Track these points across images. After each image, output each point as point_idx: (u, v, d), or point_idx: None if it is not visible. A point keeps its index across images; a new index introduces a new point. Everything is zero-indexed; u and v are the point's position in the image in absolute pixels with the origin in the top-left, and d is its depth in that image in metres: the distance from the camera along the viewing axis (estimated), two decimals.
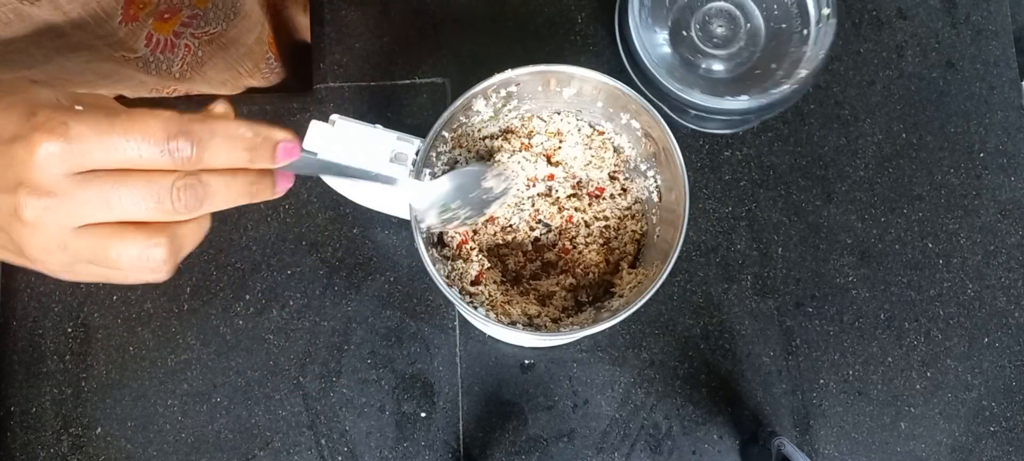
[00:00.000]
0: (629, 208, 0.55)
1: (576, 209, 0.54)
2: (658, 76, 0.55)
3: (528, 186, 0.54)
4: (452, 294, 0.46)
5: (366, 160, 0.48)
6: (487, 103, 0.51)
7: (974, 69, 0.66)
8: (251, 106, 0.63)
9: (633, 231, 0.54)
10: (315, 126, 0.49)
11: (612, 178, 0.55)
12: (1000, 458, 0.61)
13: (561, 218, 0.54)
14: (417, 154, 0.48)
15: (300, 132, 0.49)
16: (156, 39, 0.56)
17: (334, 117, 0.49)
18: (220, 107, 0.37)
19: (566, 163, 0.55)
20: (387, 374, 0.60)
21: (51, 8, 0.47)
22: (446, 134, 0.51)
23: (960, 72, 0.66)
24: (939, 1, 0.67)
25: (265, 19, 0.66)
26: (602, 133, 0.54)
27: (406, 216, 0.48)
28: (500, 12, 0.66)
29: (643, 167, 0.53)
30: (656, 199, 0.53)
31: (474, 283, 0.51)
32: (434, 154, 0.51)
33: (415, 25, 0.65)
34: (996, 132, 0.65)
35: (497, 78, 0.48)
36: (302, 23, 0.78)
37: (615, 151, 0.55)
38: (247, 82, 0.68)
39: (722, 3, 0.57)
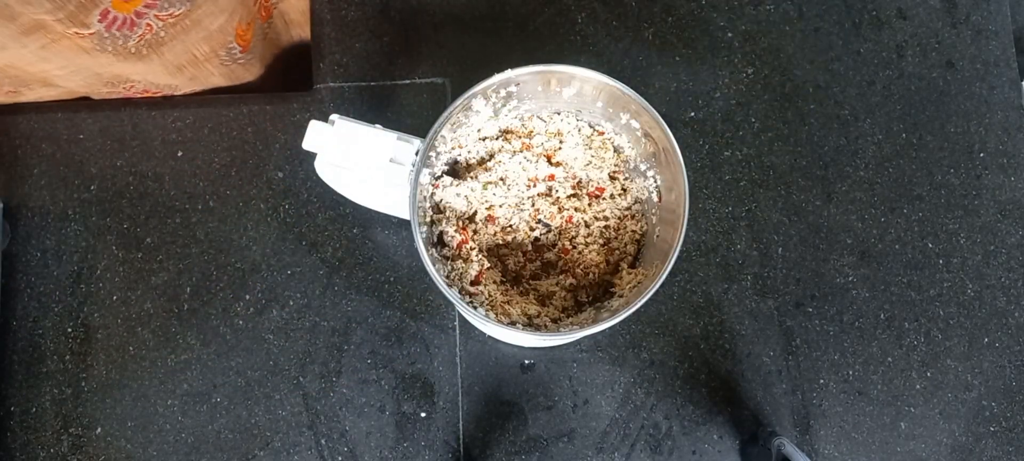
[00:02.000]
0: (629, 208, 0.55)
1: (576, 209, 0.54)
2: None
3: (528, 186, 0.54)
4: (452, 294, 0.46)
5: (365, 160, 0.48)
6: (487, 103, 0.51)
7: (974, 69, 0.66)
8: (250, 105, 0.64)
9: (633, 231, 0.54)
10: (314, 126, 0.49)
11: (612, 178, 0.55)
12: (1000, 458, 0.61)
13: (561, 218, 0.54)
14: (417, 154, 0.48)
15: (300, 132, 0.49)
16: (114, 16, 0.55)
17: (334, 117, 0.49)
18: None
19: (566, 163, 0.55)
20: (387, 374, 0.60)
21: None
22: (446, 134, 0.51)
23: (960, 72, 0.66)
24: (939, 1, 0.67)
25: (239, 7, 0.65)
26: (602, 133, 0.54)
27: (406, 216, 0.48)
28: (500, 12, 0.66)
29: (643, 167, 0.53)
30: (656, 199, 0.53)
31: (474, 283, 0.51)
32: (434, 154, 0.51)
33: (415, 25, 0.65)
34: (996, 132, 0.65)
35: (497, 78, 0.48)
36: (300, 11, 0.75)
37: (615, 151, 0.55)
38: (206, 68, 0.66)
39: None
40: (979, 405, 0.61)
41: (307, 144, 0.49)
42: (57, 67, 0.57)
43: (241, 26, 0.66)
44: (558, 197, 0.54)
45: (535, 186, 0.54)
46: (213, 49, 0.65)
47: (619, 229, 0.54)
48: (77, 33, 0.54)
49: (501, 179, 0.53)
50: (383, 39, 0.65)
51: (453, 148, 0.53)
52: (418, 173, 0.47)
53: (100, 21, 0.55)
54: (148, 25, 0.58)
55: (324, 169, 0.51)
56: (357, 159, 0.48)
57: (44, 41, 0.53)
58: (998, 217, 0.64)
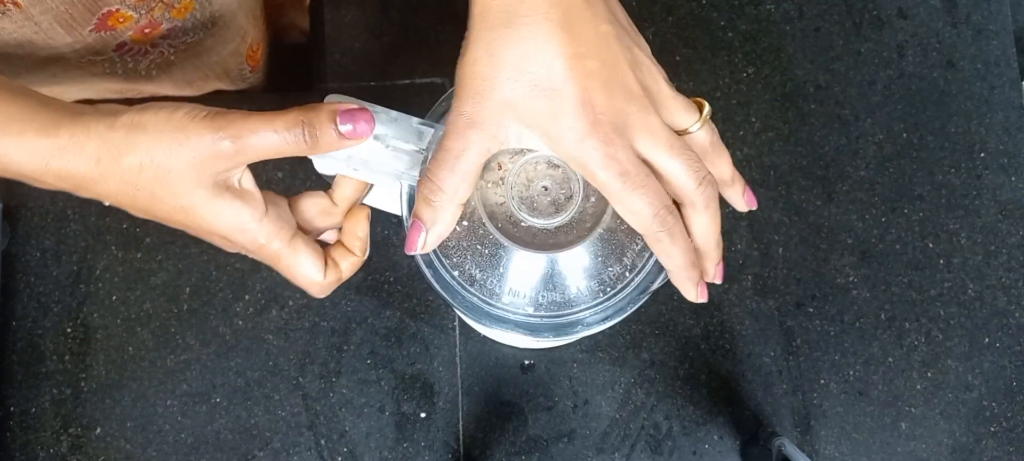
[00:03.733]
0: None
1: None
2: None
3: (527, 186, 0.54)
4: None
5: (377, 168, 0.46)
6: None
7: (975, 69, 0.66)
8: (249, 105, 0.63)
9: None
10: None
11: None
12: (1001, 458, 0.60)
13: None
14: (426, 150, 0.46)
15: None
16: (130, 46, 0.56)
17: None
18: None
19: (566, 165, 0.54)
20: (387, 374, 0.60)
21: (23, 18, 0.47)
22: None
23: (961, 72, 0.66)
24: (939, 1, 0.67)
25: (251, 29, 0.65)
26: None
27: (395, 210, 0.48)
28: None
29: None
30: None
31: None
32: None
33: (415, 25, 0.65)
34: (997, 132, 0.65)
35: None
36: (302, 27, 0.77)
37: None
38: (214, 85, 0.67)
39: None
40: (980, 405, 0.61)
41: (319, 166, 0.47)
42: (66, 87, 0.58)
43: (252, 47, 0.66)
44: (556, 196, 0.54)
45: (529, 184, 0.54)
46: (225, 71, 0.65)
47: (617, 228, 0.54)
48: (90, 60, 0.55)
49: (500, 178, 0.53)
50: (383, 39, 0.65)
51: None
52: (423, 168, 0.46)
53: (115, 50, 0.55)
54: (161, 52, 0.58)
55: (320, 163, 0.49)
56: (356, 159, 0.47)
57: (56, 70, 0.54)
58: (999, 217, 0.64)
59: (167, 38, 0.57)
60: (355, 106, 0.39)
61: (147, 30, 0.55)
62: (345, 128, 0.38)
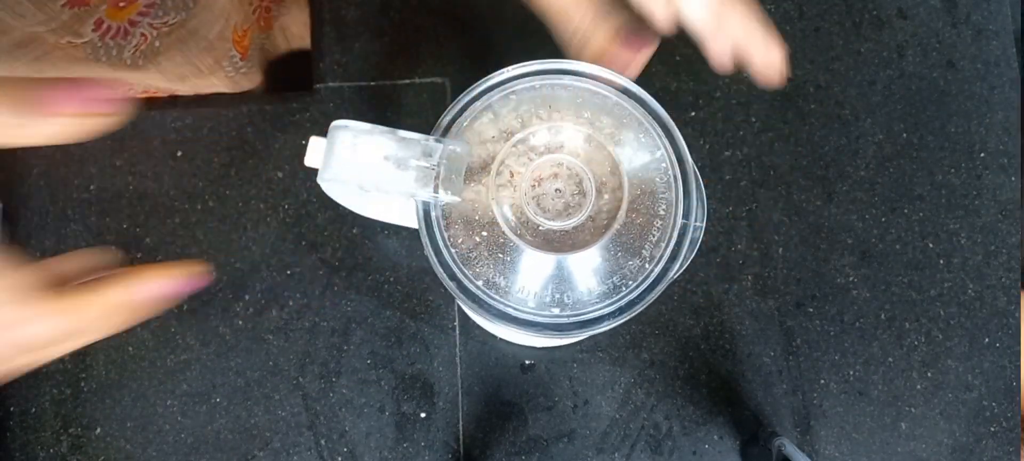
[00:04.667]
0: (632, 204, 0.54)
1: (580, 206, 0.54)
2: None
3: (533, 186, 0.54)
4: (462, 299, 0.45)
5: (377, 183, 0.45)
6: (487, 104, 0.50)
7: (975, 69, 0.66)
8: (250, 105, 0.63)
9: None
10: (315, 144, 0.45)
11: (613, 176, 0.55)
12: (1001, 458, 0.60)
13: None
14: (438, 164, 0.44)
15: (300, 132, 0.49)
16: (107, 25, 0.54)
17: (336, 125, 0.45)
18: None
19: (567, 164, 0.54)
20: (387, 374, 0.60)
21: None
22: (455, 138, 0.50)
23: (961, 72, 0.66)
24: (939, 1, 0.67)
25: (234, 11, 0.63)
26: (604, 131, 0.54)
27: (409, 224, 0.48)
28: (500, 11, 0.66)
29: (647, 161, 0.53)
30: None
31: None
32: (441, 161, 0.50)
33: (415, 24, 0.65)
34: (997, 132, 0.65)
35: (496, 77, 0.48)
36: (302, 26, 0.77)
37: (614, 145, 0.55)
38: (210, 80, 0.65)
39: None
40: (980, 405, 0.61)
41: (308, 161, 0.46)
42: (50, 73, 0.57)
43: (237, 32, 0.65)
44: (569, 198, 0.54)
45: (540, 186, 0.54)
46: (217, 61, 0.64)
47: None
48: (70, 43, 0.54)
49: (513, 185, 0.53)
50: (383, 39, 0.65)
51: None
52: (438, 181, 0.44)
53: (94, 30, 0.54)
54: (143, 34, 0.57)
55: (330, 186, 0.48)
56: (367, 180, 0.45)
57: (37, 53, 0.53)
58: (999, 217, 0.64)
59: (146, 16, 0.56)
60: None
61: (122, 3, 0.54)
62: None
